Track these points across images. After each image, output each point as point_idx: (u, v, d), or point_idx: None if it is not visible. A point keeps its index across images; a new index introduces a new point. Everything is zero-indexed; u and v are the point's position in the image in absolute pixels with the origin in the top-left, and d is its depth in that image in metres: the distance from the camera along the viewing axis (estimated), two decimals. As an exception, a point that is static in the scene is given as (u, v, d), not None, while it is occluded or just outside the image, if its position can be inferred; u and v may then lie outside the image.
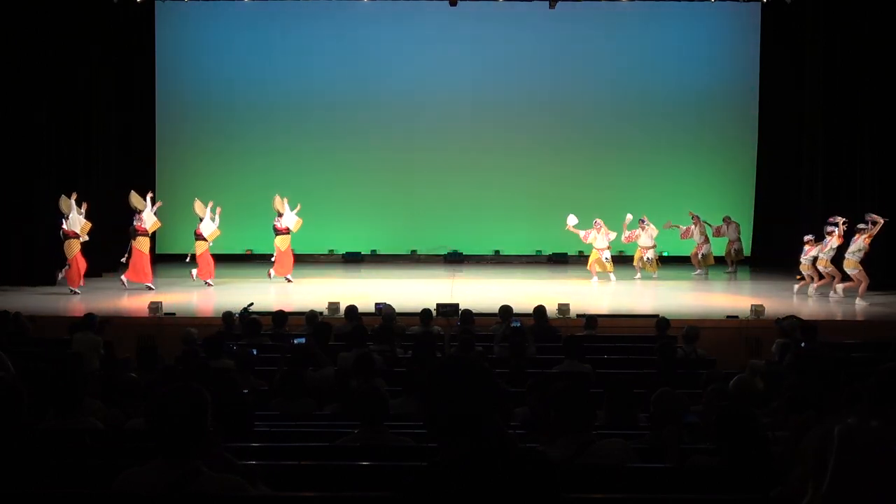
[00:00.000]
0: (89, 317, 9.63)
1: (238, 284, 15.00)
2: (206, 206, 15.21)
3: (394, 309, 10.22)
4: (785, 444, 4.43)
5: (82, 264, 14.35)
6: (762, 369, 8.40)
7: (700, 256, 16.65)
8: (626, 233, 16.07)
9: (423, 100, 18.78)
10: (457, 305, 11.25)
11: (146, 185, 18.12)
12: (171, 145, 18.70)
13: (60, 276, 14.43)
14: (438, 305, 11.27)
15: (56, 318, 11.25)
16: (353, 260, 18.33)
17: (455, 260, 18.71)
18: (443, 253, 19.06)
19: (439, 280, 15.94)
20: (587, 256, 16.45)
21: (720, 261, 17.19)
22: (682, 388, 5.79)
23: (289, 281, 15.35)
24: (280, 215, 15.63)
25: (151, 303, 11.75)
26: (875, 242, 13.74)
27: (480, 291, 14.39)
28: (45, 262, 15.17)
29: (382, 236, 18.73)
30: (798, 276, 14.64)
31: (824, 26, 15.85)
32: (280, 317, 9.82)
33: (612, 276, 15.83)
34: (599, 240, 15.76)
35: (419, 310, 9.87)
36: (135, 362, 7.55)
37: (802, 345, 8.44)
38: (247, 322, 9.30)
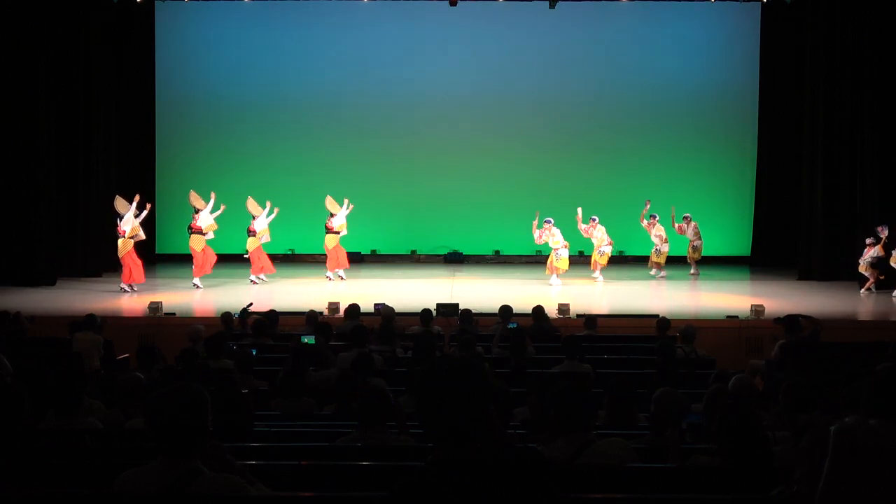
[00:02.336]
0: (90, 317, 9.63)
1: (237, 285, 14.99)
2: (260, 205, 15.53)
3: (393, 309, 10.21)
4: (786, 444, 4.42)
5: (135, 264, 14.31)
6: (761, 369, 8.42)
7: (657, 255, 16.25)
8: (582, 226, 15.80)
9: (423, 100, 18.77)
10: (457, 305, 11.25)
11: (146, 186, 18.18)
12: (171, 145, 18.68)
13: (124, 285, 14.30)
14: (438, 305, 11.26)
15: (56, 318, 11.24)
16: (353, 260, 18.28)
17: (455, 260, 18.70)
18: (443, 253, 19.05)
19: (439, 280, 15.93)
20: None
21: (675, 261, 16.69)
22: (682, 388, 5.78)
23: (341, 279, 15.78)
24: (332, 215, 15.87)
25: (151, 303, 11.74)
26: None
27: (480, 291, 14.38)
28: (46, 262, 15.17)
29: (382, 236, 18.72)
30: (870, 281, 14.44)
31: (824, 26, 15.84)
32: (272, 317, 9.80)
33: (555, 277, 15.53)
34: (554, 238, 15.58)
35: (419, 310, 9.86)
36: (134, 362, 7.55)
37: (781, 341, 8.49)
38: (254, 322, 9.27)
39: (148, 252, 17.87)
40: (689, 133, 18.78)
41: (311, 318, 9.72)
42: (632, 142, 18.77)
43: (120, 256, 14.35)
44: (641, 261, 17.31)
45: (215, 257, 15.14)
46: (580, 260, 16.92)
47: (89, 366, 8.69)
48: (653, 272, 16.38)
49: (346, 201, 16.06)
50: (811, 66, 16.32)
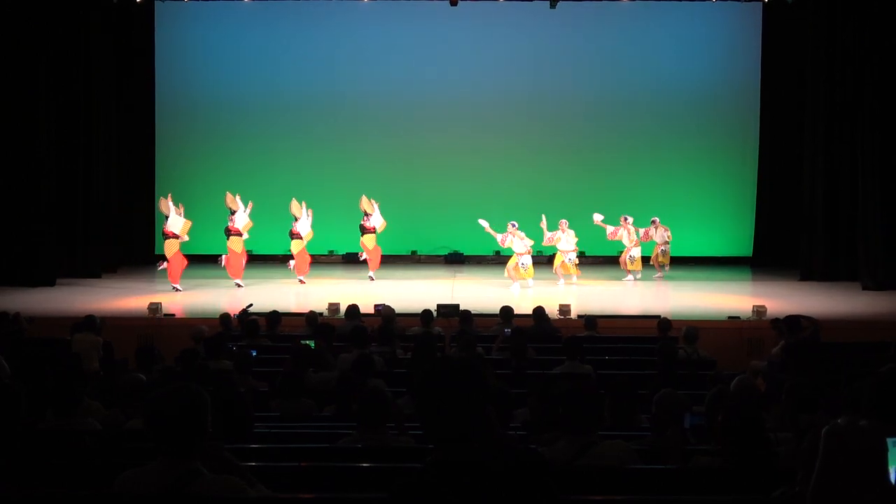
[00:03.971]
0: (90, 318, 9.63)
1: (232, 286, 14.96)
2: (301, 204, 15.55)
3: (393, 309, 10.21)
4: (788, 446, 4.42)
5: (182, 262, 14.43)
6: (763, 370, 8.42)
7: (629, 258, 15.99)
8: (547, 234, 15.54)
9: (423, 99, 18.75)
10: (457, 306, 11.26)
11: (146, 186, 18.18)
12: (171, 145, 18.64)
13: (161, 267, 14.47)
14: (439, 306, 11.27)
15: (55, 319, 11.23)
16: (353, 260, 18.29)
17: (456, 260, 18.68)
18: (443, 253, 19.04)
19: (440, 280, 15.93)
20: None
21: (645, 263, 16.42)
22: (683, 389, 5.78)
23: (371, 279, 15.92)
24: (368, 215, 15.99)
25: (151, 303, 11.73)
26: (876, 242, 13.79)
27: (481, 292, 14.39)
28: (45, 263, 15.16)
29: (382, 236, 18.64)
30: None
31: (825, 26, 15.83)
32: (274, 318, 9.79)
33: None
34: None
35: (420, 310, 9.86)
36: (134, 363, 7.55)
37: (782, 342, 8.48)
38: (246, 323, 9.28)
39: (147, 253, 17.90)
40: (690, 133, 18.75)
41: (311, 319, 9.71)
42: (633, 142, 18.75)
43: (168, 256, 14.38)
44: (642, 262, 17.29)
45: (245, 257, 15.28)
46: (587, 261, 16.92)
47: (88, 367, 8.68)
48: (658, 275, 16.33)
49: (371, 202, 16.14)
50: (812, 66, 16.31)
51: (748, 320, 11.49)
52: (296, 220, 15.53)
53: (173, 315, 11.65)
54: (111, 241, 16.75)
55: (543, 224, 15.58)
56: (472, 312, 10.16)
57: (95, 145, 16.46)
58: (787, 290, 14.64)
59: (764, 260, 18.25)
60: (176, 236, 14.48)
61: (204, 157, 18.68)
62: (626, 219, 15.99)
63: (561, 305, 11.70)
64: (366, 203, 16.16)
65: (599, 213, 16.06)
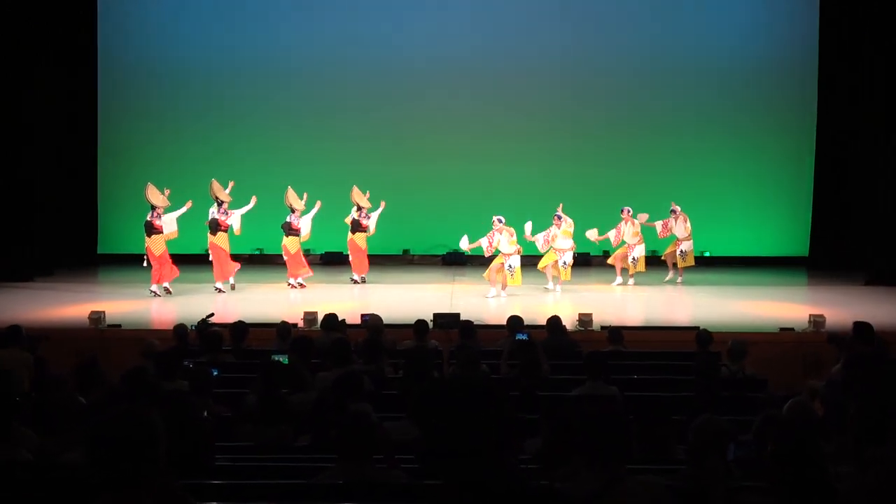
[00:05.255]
0: (15, 329, 9.56)
1: (197, 292, 14.97)
2: (300, 197, 15.82)
3: (381, 319, 10.20)
4: (850, 482, 4.42)
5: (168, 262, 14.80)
6: (821, 391, 8.41)
7: (631, 260, 15.95)
8: (540, 239, 15.42)
9: (414, 64, 18.74)
10: (457, 316, 11.26)
11: (86, 175, 18.16)
12: (115, 130, 18.64)
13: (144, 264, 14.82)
14: (436, 316, 11.28)
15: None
16: (333, 261, 18.30)
17: (455, 261, 18.69)
18: (440, 253, 19.03)
19: (436, 285, 15.94)
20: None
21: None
22: (727, 415, 5.79)
23: (356, 282, 16.31)
24: (362, 209, 16.25)
25: (93, 312, 11.71)
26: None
27: (485, 299, 14.38)
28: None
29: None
30: None
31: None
32: (240, 329, 9.77)
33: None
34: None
35: (412, 321, 9.86)
36: (72, 383, 7.52)
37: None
38: (205, 336, 9.27)
39: (88, 252, 17.90)
40: (736, 114, 18.79)
41: (284, 331, 9.71)
42: (664, 125, 18.78)
43: (157, 255, 14.59)
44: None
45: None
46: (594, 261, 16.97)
47: (17, 388, 8.66)
48: (674, 277, 16.33)
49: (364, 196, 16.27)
50: (873, 39, 16.26)
51: (804, 332, 11.49)
52: (293, 211, 15.68)
53: (119, 326, 11.64)
54: (46, 239, 16.73)
55: (528, 232, 15.33)
56: (475, 323, 10.16)
57: (26, 126, 16.45)
58: (850, 297, 14.66)
59: (822, 261, 18.30)
60: (161, 232, 14.74)
61: (154, 142, 18.66)
62: (627, 211, 15.92)
63: (581, 314, 11.71)
64: (359, 195, 16.15)
65: (594, 229, 15.99)
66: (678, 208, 16.14)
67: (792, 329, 11.65)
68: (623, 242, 16.06)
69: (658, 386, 8.45)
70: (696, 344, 9.50)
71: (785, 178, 18.81)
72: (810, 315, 11.73)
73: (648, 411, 5.48)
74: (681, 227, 16.09)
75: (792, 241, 18.85)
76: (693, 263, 16.32)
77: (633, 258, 15.89)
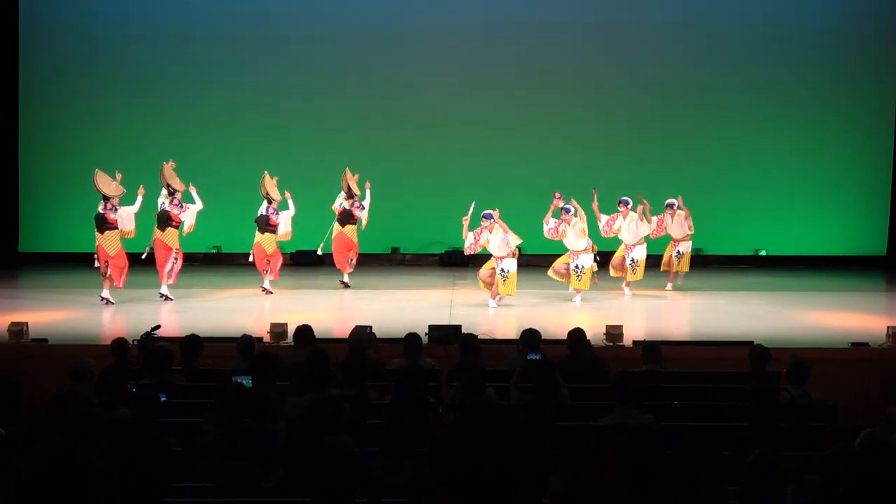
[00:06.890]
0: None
1: (141, 300, 14.97)
2: (273, 180, 15.89)
3: (366, 332, 10.21)
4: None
5: (125, 263, 14.87)
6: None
7: (630, 263, 15.87)
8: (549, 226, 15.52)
9: (407, 29, 18.87)
10: (458, 328, 11.24)
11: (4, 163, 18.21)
12: (38, 108, 18.72)
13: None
14: (431, 328, 11.27)
15: None
16: (306, 262, 18.30)
17: (454, 262, 18.70)
18: (437, 252, 19.05)
19: (432, 291, 15.96)
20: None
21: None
22: (787, 449, 5.79)
23: (347, 285, 16.50)
24: (353, 196, 16.29)
25: (13, 324, 11.67)
26: None
27: (492, 308, 14.37)
28: None
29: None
30: None
31: None
32: (193, 344, 9.75)
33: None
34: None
35: (402, 334, 9.86)
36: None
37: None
38: (150, 352, 9.26)
39: (7, 252, 17.90)
40: (801, 92, 18.93)
41: (246, 346, 9.69)
42: (714, 101, 18.93)
43: (112, 255, 14.61)
44: (721, 260, 17.41)
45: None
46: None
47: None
48: (668, 286, 16.40)
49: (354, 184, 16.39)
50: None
51: (881, 348, 11.49)
52: (269, 202, 15.70)
53: (45, 340, 11.61)
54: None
55: (546, 220, 15.40)
56: (480, 337, 10.16)
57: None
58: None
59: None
60: (115, 227, 14.75)
61: (86, 123, 18.76)
62: (626, 203, 15.84)
63: (609, 327, 11.71)
64: (351, 179, 16.19)
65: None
66: (678, 202, 16.11)
67: (866, 344, 11.64)
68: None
69: (703, 414, 8.46)
70: (750, 363, 9.51)
71: (857, 166, 18.85)
72: (888, 327, 11.72)
73: (691, 445, 5.48)
74: (677, 225, 16.09)
75: (866, 239, 18.90)
76: (687, 269, 16.29)
77: (633, 260, 15.87)
